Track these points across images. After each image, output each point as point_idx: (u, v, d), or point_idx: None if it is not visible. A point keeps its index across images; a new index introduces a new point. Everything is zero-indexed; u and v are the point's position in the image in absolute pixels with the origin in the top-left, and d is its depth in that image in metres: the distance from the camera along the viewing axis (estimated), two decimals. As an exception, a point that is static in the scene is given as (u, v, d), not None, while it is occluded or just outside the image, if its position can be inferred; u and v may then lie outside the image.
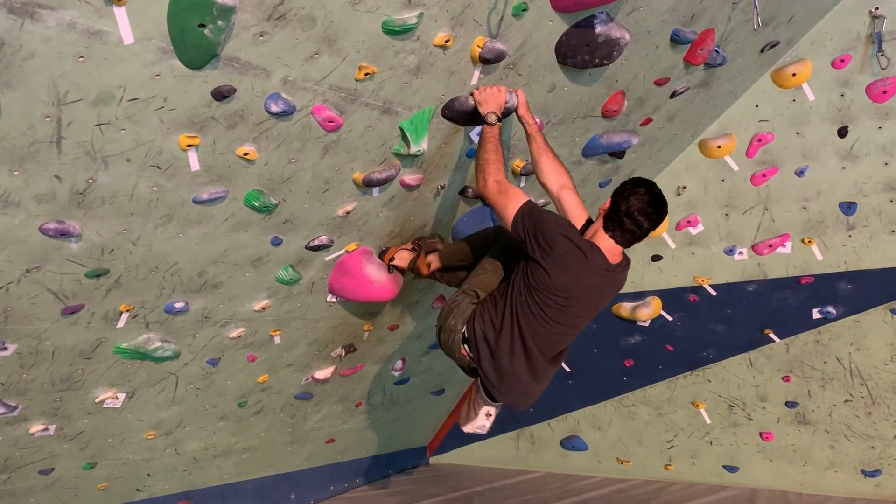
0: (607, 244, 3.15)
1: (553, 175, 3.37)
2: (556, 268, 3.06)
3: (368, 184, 3.37)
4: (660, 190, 3.18)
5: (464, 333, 3.32)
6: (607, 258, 3.14)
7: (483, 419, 3.48)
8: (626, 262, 3.26)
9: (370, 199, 3.52)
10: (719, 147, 4.87)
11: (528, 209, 3.13)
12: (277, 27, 2.48)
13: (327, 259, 3.75)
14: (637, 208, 3.09)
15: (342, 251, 3.76)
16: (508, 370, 3.26)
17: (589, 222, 3.30)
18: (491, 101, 3.25)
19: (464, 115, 3.35)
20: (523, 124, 3.44)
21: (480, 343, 3.26)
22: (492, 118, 3.24)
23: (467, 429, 3.55)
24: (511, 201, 3.15)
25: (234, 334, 3.82)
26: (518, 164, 4.01)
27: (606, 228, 3.14)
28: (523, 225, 3.10)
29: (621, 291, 3.74)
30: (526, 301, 3.15)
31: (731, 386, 5.40)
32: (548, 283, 3.10)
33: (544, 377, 3.41)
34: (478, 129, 3.41)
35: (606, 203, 3.18)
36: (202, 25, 2.32)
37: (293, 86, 2.72)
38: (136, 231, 2.91)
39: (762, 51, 4.40)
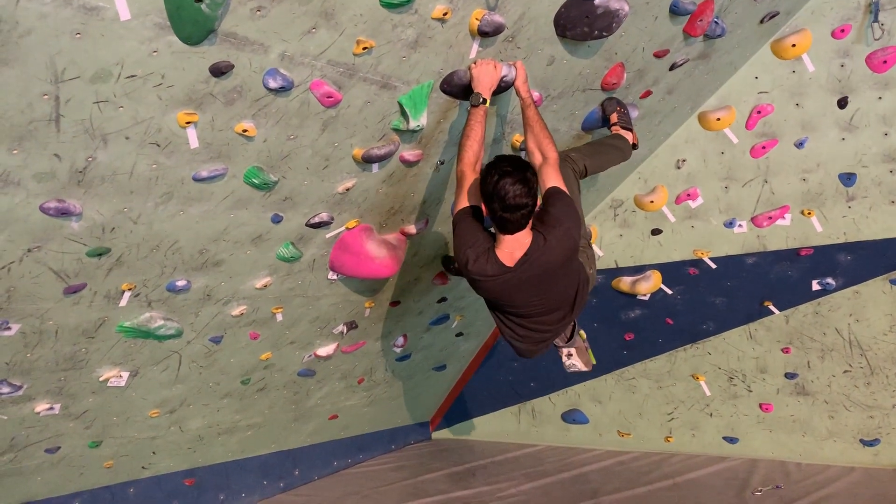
0: (505, 242, 3.14)
1: (536, 152, 3.39)
2: (468, 280, 3.33)
3: (368, 160, 3.36)
4: (508, 162, 3.03)
5: None
6: (503, 262, 3.16)
7: (565, 358, 3.95)
8: (534, 247, 3.13)
9: (370, 175, 3.51)
10: (719, 119, 4.85)
11: (459, 218, 3.29)
12: (274, 1, 2.46)
13: (328, 236, 3.75)
14: (504, 197, 2.98)
15: (342, 228, 3.76)
16: (512, 337, 3.57)
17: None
18: (483, 79, 3.22)
19: (462, 90, 3.33)
20: (519, 97, 3.42)
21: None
22: (476, 99, 3.23)
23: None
24: (459, 199, 3.33)
25: (236, 312, 3.83)
26: (518, 138, 3.99)
27: (497, 229, 3.14)
28: (453, 230, 3.31)
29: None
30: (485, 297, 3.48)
31: (730, 358, 5.44)
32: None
33: (558, 324, 3.55)
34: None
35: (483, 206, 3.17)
36: (199, 0, 2.30)
37: (291, 61, 2.70)
38: (136, 209, 2.91)
39: (762, 21, 4.37)
